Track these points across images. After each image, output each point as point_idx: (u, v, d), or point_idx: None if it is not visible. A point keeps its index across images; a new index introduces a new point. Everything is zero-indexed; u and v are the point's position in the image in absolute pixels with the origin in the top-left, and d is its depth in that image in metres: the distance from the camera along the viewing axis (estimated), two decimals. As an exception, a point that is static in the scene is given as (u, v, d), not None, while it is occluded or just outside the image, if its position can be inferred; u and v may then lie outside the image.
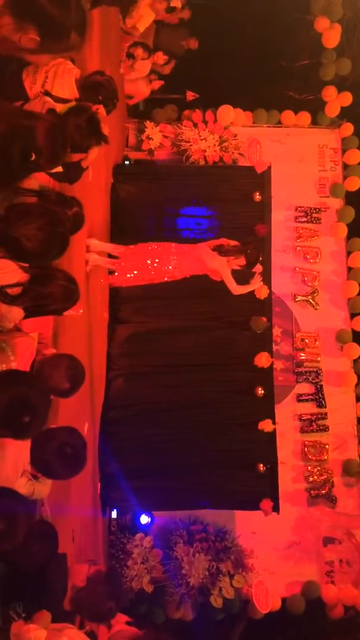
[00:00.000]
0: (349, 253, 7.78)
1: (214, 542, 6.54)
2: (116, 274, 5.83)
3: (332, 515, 7.15)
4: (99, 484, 6.31)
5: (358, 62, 7.92)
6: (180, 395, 6.87)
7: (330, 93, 7.89)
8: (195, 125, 7.85)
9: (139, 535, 6.50)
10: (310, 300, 7.63)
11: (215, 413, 6.85)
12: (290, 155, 8.00)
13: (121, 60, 7.22)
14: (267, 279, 7.08)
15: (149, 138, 7.81)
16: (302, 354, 7.49)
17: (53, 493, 3.19)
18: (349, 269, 7.74)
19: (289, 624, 6.88)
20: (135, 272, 5.74)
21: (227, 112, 7.89)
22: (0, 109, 2.38)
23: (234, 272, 5.72)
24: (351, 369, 7.46)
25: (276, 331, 7.42)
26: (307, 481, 7.18)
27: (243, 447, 6.81)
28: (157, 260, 5.69)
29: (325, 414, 7.33)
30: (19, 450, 2.79)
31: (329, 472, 7.18)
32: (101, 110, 3.85)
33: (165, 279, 5.78)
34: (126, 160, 7.74)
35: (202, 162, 7.76)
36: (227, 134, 7.85)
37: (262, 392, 6.90)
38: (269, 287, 7.12)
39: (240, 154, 7.86)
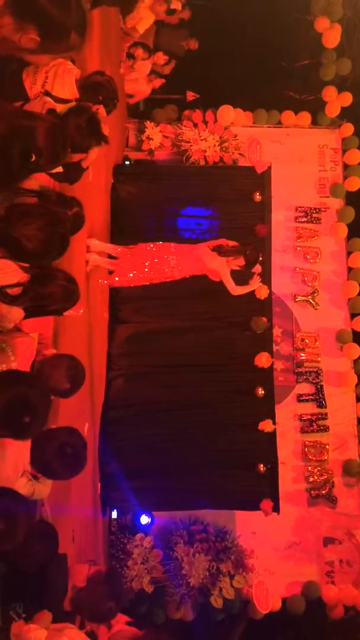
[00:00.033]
0: (349, 253, 7.78)
1: (214, 543, 6.54)
2: (116, 276, 5.82)
3: (333, 515, 7.15)
4: (99, 484, 6.31)
5: (358, 62, 7.92)
6: (181, 395, 6.88)
7: (330, 93, 7.90)
8: (195, 125, 7.85)
9: (139, 536, 6.50)
10: (311, 301, 7.63)
11: (216, 413, 6.85)
12: (291, 155, 8.01)
13: (121, 60, 7.23)
14: (267, 279, 7.08)
15: (149, 138, 7.81)
16: (303, 354, 7.49)
17: (53, 493, 3.19)
18: (349, 269, 7.74)
19: (289, 624, 6.88)
20: (135, 272, 5.73)
21: (227, 112, 7.89)
22: (0, 109, 2.38)
23: (233, 273, 5.72)
24: (351, 369, 7.46)
25: (276, 331, 7.42)
26: (308, 481, 7.18)
27: (243, 447, 6.81)
28: (156, 260, 5.69)
29: (326, 414, 7.33)
30: (19, 451, 2.79)
31: (329, 472, 7.18)
32: (101, 110, 3.84)
33: (165, 279, 5.78)
34: (126, 161, 7.75)
35: (202, 163, 7.77)
36: (228, 134, 7.85)
37: (263, 392, 6.90)
38: (269, 287, 7.12)
39: (240, 154, 7.87)
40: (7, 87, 3.37)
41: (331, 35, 7.70)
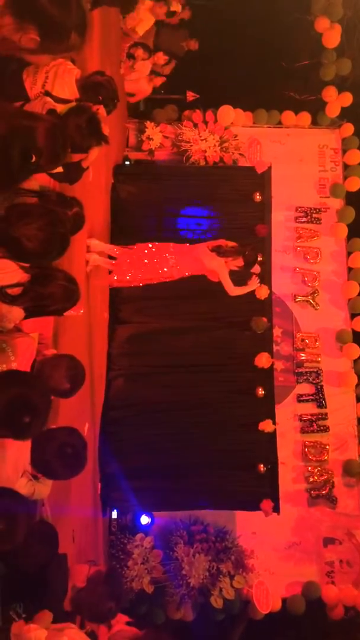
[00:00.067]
0: (349, 253, 7.78)
1: (214, 543, 6.54)
2: (114, 276, 5.82)
3: (333, 515, 7.15)
4: (99, 484, 6.31)
5: (358, 62, 7.92)
6: (181, 395, 6.87)
7: (330, 93, 7.90)
8: (195, 125, 7.85)
9: (139, 536, 6.50)
10: (311, 301, 7.63)
11: (216, 413, 6.85)
12: (291, 155, 8.01)
13: (121, 60, 7.23)
14: (267, 279, 7.09)
15: (149, 138, 7.81)
16: (303, 355, 7.49)
17: (53, 493, 3.19)
18: (349, 269, 7.74)
19: (289, 624, 6.87)
20: (133, 272, 5.72)
21: (228, 113, 7.89)
22: (0, 109, 2.38)
23: (232, 273, 5.71)
24: (351, 369, 7.46)
25: (276, 331, 7.41)
26: (308, 481, 7.18)
27: (243, 447, 6.81)
28: (155, 260, 5.68)
29: (326, 414, 7.33)
30: (20, 451, 2.79)
31: (330, 472, 7.18)
32: (101, 110, 3.84)
33: (164, 279, 5.78)
34: (126, 161, 7.74)
35: (202, 163, 7.77)
36: (228, 134, 7.85)
37: (263, 392, 6.90)
38: (269, 288, 7.11)
39: (240, 154, 7.87)
40: (7, 87, 3.36)
41: (331, 35, 7.70)
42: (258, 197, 7.38)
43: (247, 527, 6.85)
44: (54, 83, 3.52)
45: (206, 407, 6.87)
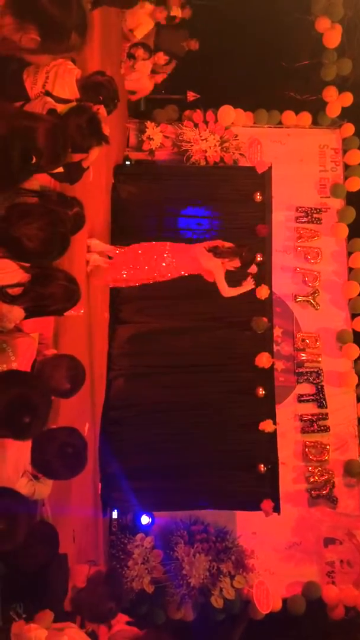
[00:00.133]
0: (349, 253, 7.78)
1: (214, 543, 6.54)
2: (110, 275, 5.79)
3: (333, 515, 7.14)
4: (100, 484, 6.31)
5: (359, 62, 7.91)
6: (181, 395, 6.88)
7: (331, 93, 7.90)
8: (196, 125, 7.85)
9: (139, 536, 6.50)
10: (311, 301, 7.63)
11: (216, 413, 6.85)
12: (291, 155, 8.00)
13: (122, 60, 7.22)
14: (267, 279, 7.10)
15: (149, 138, 7.81)
16: (303, 355, 7.49)
17: (54, 493, 3.19)
18: (350, 269, 7.74)
19: (289, 624, 6.87)
20: (128, 270, 5.68)
21: (228, 113, 7.89)
22: (0, 109, 2.38)
23: (229, 273, 5.68)
24: (352, 369, 7.46)
25: (277, 331, 7.41)
26: (308, 482, 7.18)
27: (244, 447, 6.81)
28: (155, 256, 5.66)
29: (326, 414, 7.33)
30: (20, 451, 2.79)
31: (330, 472, 7.18)
32: (102, 110, 3.84)
33: (161, 277, 5.74)
34: (127, 161, 7.75)
35: (202, 163, 7.77)
36: (228, 134, 7.85)
37: (263, 392, 6.90)
38: (270, 288, 7.12)
39: (241, 154, 7.87)
40: (7, 87, 3.36)
41: (332, 36, 7.70)
42: (258, 197, 7.38)
43: (248, 527, 6.85)
44: (55, 83, 3.52)
45: (207, 407, 6.87)
